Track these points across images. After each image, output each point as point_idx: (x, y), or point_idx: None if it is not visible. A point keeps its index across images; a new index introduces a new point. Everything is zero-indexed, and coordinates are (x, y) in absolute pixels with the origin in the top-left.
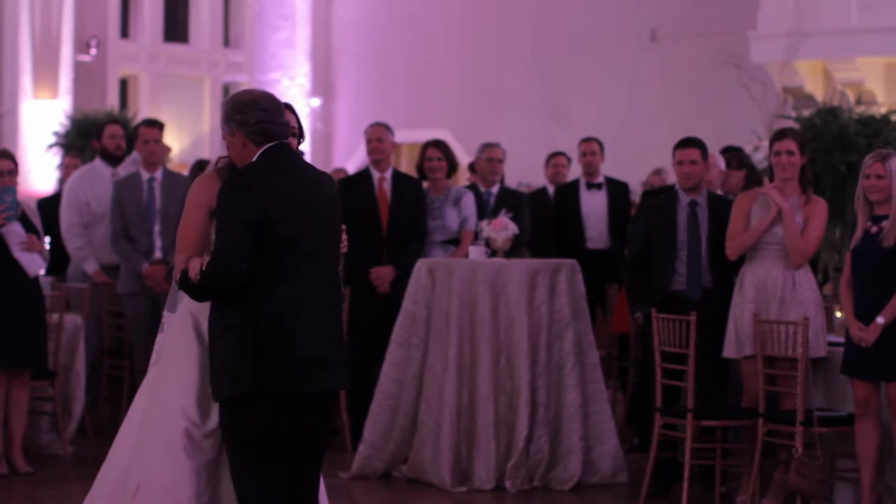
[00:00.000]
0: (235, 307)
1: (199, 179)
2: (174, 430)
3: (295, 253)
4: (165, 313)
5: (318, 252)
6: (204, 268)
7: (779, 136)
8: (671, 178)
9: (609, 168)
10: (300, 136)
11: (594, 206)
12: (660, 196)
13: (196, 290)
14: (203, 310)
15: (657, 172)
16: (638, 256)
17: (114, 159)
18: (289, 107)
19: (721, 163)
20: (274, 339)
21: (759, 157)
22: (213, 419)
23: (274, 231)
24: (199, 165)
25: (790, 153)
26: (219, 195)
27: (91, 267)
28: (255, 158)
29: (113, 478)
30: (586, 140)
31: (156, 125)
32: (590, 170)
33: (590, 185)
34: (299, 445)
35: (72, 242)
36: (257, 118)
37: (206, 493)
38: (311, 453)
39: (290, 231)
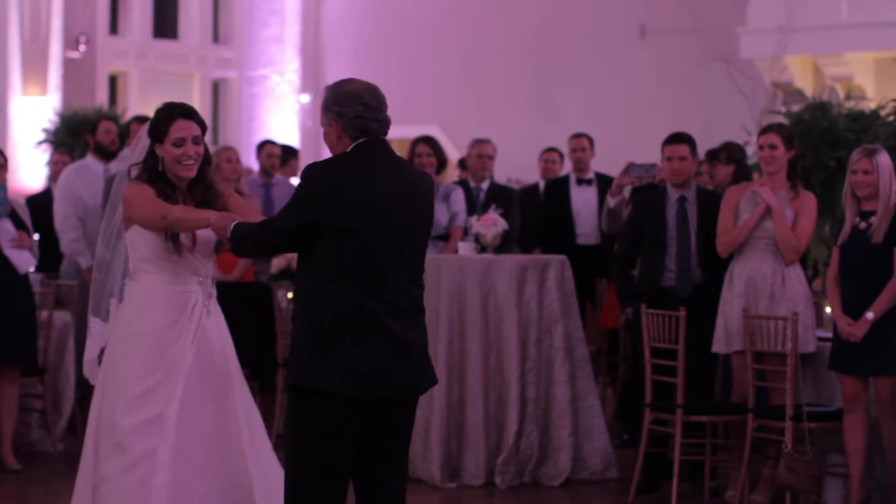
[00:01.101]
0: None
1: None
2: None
3: (373, 254)
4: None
5: (399, 256)
6: (234, 228)
7: (763, 130)
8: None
9: (598, 163)
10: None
11: (584, 201)
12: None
13: (233, 245)
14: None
15: (649, 168)
16: (627, 252)
17: (107, 154)
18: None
19: None
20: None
21: (749, 153)
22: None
23: (348, 229)
24: None
25: (773, 147)
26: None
27: (85, 261)
28: (347, 152)
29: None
30: (576, 136)
31: (148, 121)
32: (580, 166)
33: (580, 181)
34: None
35: (67, 235)
36: (356, 112)
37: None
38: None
39: (366, 231)
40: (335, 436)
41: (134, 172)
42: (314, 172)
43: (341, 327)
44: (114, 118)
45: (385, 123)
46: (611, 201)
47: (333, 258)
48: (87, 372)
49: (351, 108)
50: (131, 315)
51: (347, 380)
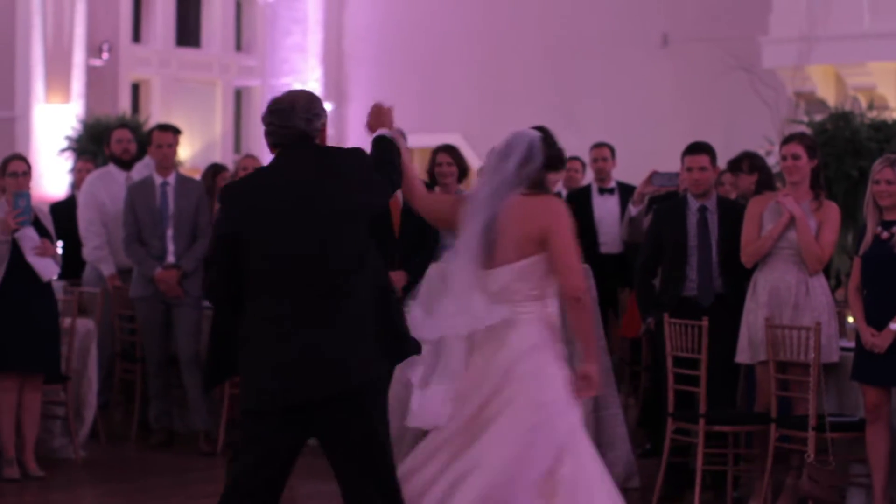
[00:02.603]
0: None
1: None
2: None
3: (273, 263)
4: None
5: (303, 260)
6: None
7: (784, 141)
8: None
9: (620, 173)
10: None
11: (607, 210)
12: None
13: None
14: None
15: (672, 177)
16: (648, 262)
17: (123, 163)
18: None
19: None
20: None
21: (771, 162)
22: None
23: (248, 242)
24: (213, 170)
25: (795, 157)
26: None
27: (107, 269)
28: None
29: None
30: (597, 146)
31: (170, 130)
32: (601, 175)
33: (602, 190)
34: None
35: (90, 241)
36: (268, 122)
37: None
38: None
39: (262, 240)
40: (249, 451)
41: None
42: (221, 192)
43: (246, 343)
44: (130, 126)
45: (294, 130)
46: (633, 210)
47: (250, 274)
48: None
49: (266, 120)
50: None
51: (251, 395)
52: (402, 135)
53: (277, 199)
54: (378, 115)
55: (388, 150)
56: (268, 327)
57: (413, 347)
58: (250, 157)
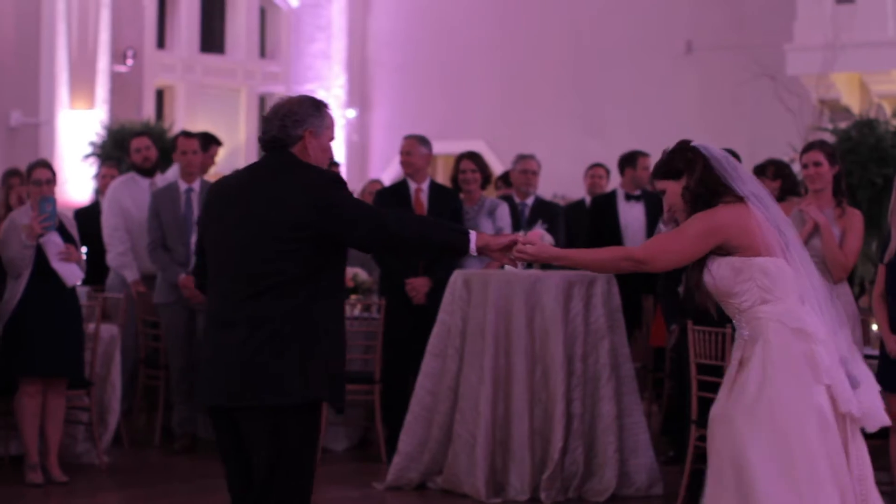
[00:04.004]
0: None
1: None
2: None
3: (212, 266)
4: None
5: (229, 265)
6: None
7: (805, 149)
8: None
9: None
10: None
11: (633, 216)
12: None
13: None
14: None
15: None
16: (672, 269)
17: (145, 171)
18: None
19: None
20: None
21: (795, 170)
22: None
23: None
24: None
25: (817, 164)
26: None
27: (131, 275)
28: None
29: None
30: (643, 155)
31: (194, 136)
32: (639, 183)
33: (629, 197)
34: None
35: (114, 248)
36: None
37: None
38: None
39: (207, 243)
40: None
41: None
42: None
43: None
44: (152, 133)
45: (268, 135)
46: (662, 228)
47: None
48: None
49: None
50: None
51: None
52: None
53: (223, 198)
54: (497, 242)
55: (447, 232)
56: (207, 326)
57: (336, 397)
58: None
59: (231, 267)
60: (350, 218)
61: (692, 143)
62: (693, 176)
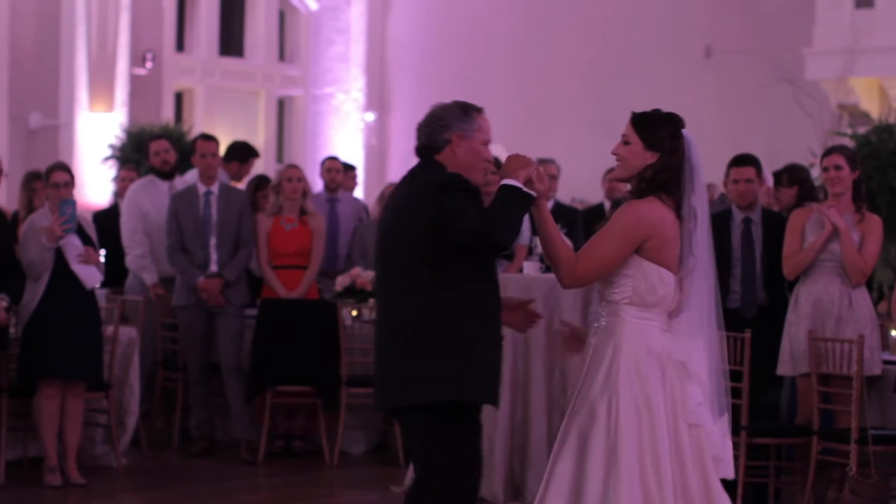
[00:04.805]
0: None
1: None
2: None
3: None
4: None
5: (377, 268)
6: None
7: (826, 152)
8: (718, 192)
9: None
10: None
11: None
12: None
13: None
14: None
15: (708, 186)
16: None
17: (164, 174)
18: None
19: (769, 181)
20: None
21: (814, 175)
22: None
23: None
24: (256, 180)
25: (838, 168)
26: None
27: (150, 278)
28: None
29: None
30: None
31: (213, 139)
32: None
33: None
34: None
35: (133, 250)
36: None
37: None
38: None
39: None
40: None
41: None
42: None
43: None
44: (172, 136)
45: (419, 141)
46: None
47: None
48: None
49: None
50: None
51: None
52: (546, 196)
53: (384, 206)
54: (513, 164)
55: (506, 196)
56: None
57: (470, 393)
58: (293, 166)
59: (379, 269)
60: (449, 212)
61: (684, 130)
62: (665, 158)
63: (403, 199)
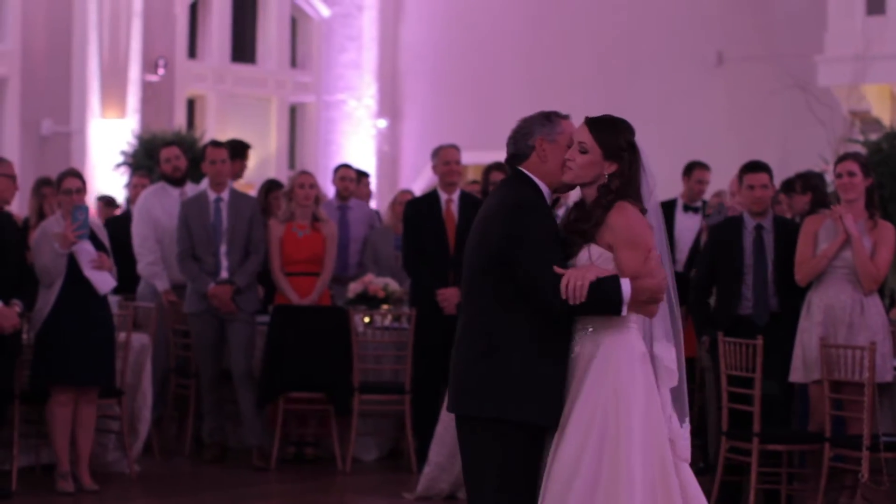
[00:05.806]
0: None
1: None
2: None
3: None
4: None
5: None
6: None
7: (840, 158)
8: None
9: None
10: None
11: (687, 227)
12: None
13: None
14: None
15: (717, 194)
16: (703, 280)
17: (175, 181)
18: None
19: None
20: None
21: (827, 181)
22: None
23: None
24: (267, 186)
25: (851, 174)
26: None
27: (161, 284)
28: None
29: None
30: (702, 168)
31: (223, 146)
32: (696, 197)
33: (687, 207)
34: None
35: (145, 257)
36: None
37: None
38: None
39: None
40: None
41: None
42: None
43: None
44: (184, 143)
45: (507, 153)
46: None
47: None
48: None
49: None
50: None
51: None
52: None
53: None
54: (650, 285)
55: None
56: None
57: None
58: (305, 173)
59: (465, 273)
60: (525, 269)
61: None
62: (625, 168)
63: (485, 210)
